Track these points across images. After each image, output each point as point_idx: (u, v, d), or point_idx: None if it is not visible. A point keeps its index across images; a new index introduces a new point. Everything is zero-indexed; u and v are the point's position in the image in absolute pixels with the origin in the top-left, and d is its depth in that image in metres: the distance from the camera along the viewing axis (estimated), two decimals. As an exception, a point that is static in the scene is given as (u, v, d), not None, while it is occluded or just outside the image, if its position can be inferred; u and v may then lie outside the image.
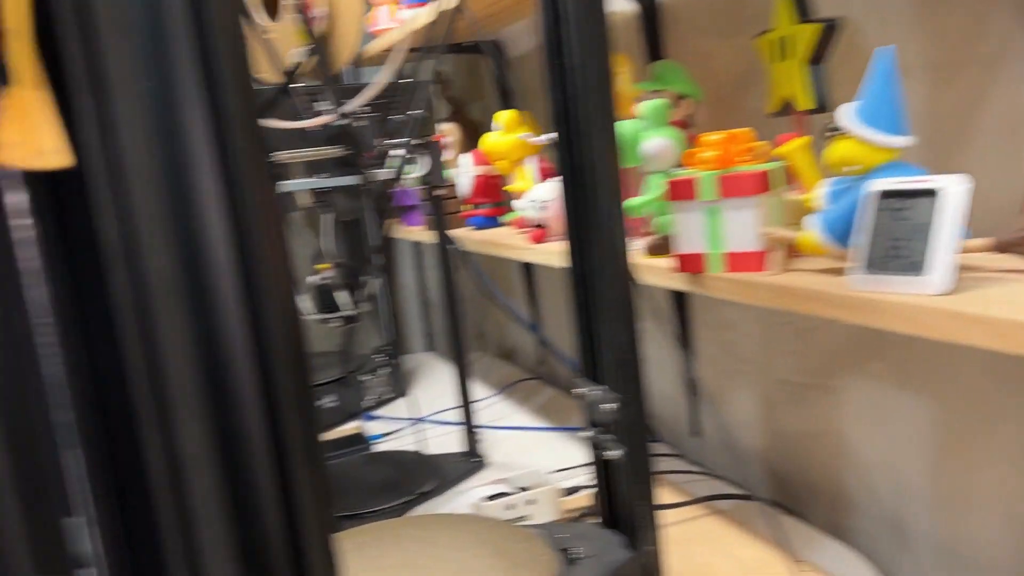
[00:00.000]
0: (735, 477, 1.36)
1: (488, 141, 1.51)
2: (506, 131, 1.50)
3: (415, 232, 1.85)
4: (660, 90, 1.20)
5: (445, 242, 1.44)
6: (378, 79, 0.92)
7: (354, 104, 0.88)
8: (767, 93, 1.07)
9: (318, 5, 0.88)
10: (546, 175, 1.50)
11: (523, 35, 1.82)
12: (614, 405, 0.99)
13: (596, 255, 0.98)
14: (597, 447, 1.05)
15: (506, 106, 1.87)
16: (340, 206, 0.88)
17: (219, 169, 0.44)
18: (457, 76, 2.11)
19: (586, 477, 1.40)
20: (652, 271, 1.07)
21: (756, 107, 1.21)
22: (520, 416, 1.75)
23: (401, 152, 0.92)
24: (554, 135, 0.95)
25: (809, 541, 1.16)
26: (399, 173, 0.92)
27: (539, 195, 1.34)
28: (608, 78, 0.95)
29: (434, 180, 1.29)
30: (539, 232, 1.35)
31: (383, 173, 0.93)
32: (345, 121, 0.80)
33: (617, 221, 0.96)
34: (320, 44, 0.79)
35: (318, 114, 0.88)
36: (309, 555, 0.48)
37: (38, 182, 0.43)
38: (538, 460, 1.49)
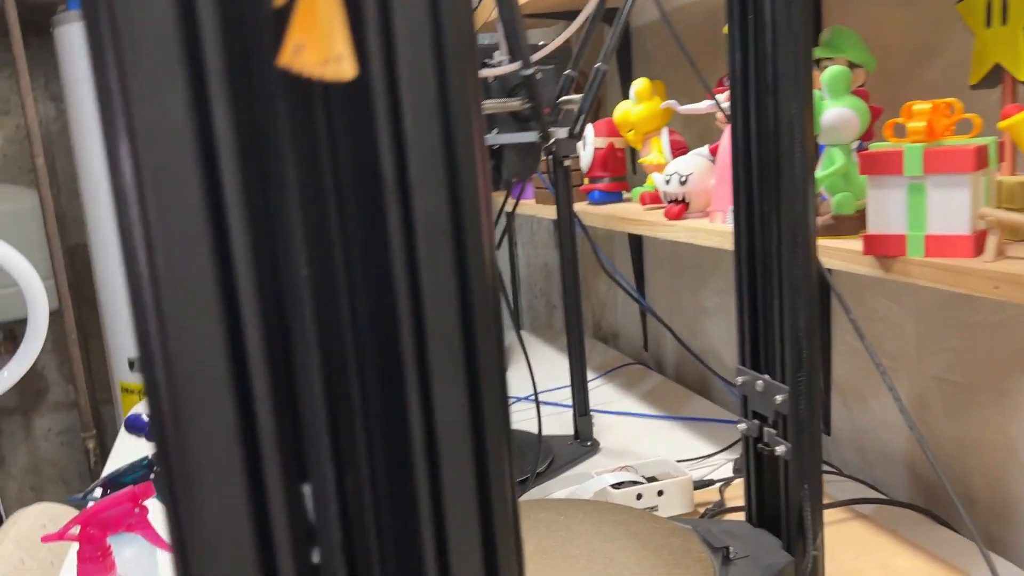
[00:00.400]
0: (869, 480, 1.27)
1: (621, 111, 1.43)
2: (640, 101, 1.41)
3: (523, 205, 1.77)
4: (831, 58, 1.11)
5: (568, 217, 1.36)
6: (574, 26, 0.84)
7: (548, 49, 0.80)
8: (957, 63, 0.97)
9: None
10: (677, 149, 1.42)
11: (647, 3, 1.73)
12: (783, 396, 0.91)
13: (776, 231, 0.90)
14: (757, 440, 0.97)
15: (627, 77, 1.78)
16: (512, 165, 0.81)
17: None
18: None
19: (712, 469, 1.32)
20: (826, 253, 0.98)
21: (934, 80, 1.11)
22: (625, 402, 1.67)
23: (579, 108, 0.85)
24: (713, 99, 0.87)
25: (965, 553, 1.07)
26: (580, 129, 0.84)
27: (681, 168, 1.26)
28: (807, 34, 0.86)
29: (564, 149, 1.21)
30: (678, 208, 1.27)
31: (560, 131, 0.85)
32: (529, 71, 0.73)
33: (807, 194, 0.87)
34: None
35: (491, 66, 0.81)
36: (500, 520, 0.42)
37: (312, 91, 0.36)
38: (652, 448, 1.42)
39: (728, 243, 1.15)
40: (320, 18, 0.34)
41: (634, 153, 1.63)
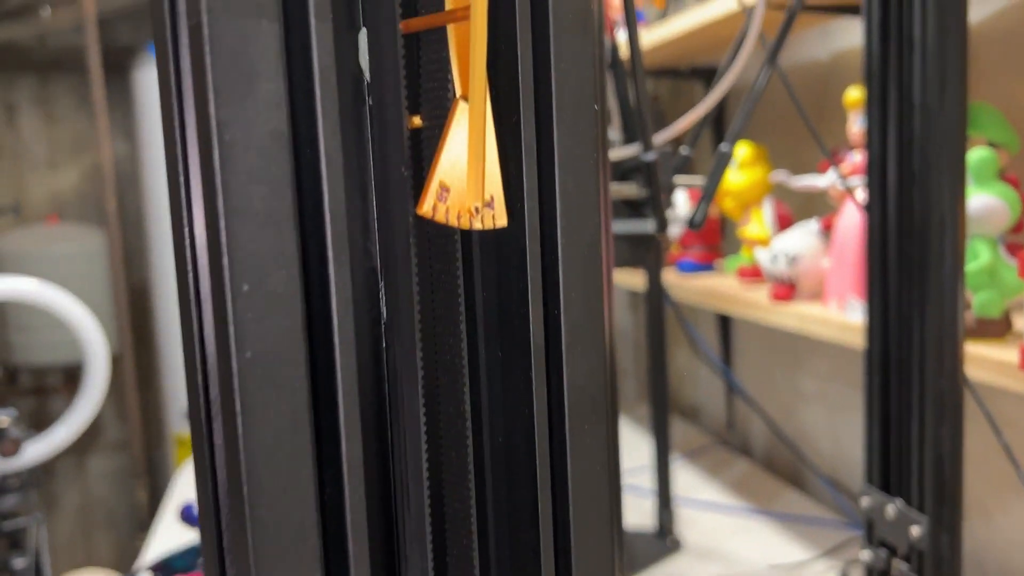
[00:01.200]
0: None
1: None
2: (741, 168, 1.31)
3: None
4: (969, 137, 0.99)
5: (658, 292, 1.26)
6: (707, 104, 0.75)
7: (676, 130, 0.71)
8: None
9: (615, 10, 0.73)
10: (784, 222, 1.31)
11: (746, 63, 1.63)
12: (920, 529, 0.79)
13: (918, 335, 0.79)
14: (883, 574, 0.85)
15: (720, 139, 1.68)
16: (621, 255, 0.71)
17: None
18: (663, 103, 1.93)
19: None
20: (968, 360, 0.86)
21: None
22: (709, 490, 1.54)
23: (698, 189, 0.75)
24: (832, 172, 0.76)
25: None
26: (701, 219, 0.75)
27: (789, 248, 1.15)
28: (964, 116, 0.75)
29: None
30: (785, 289, 1.15)
31: (672, 215, 0.76)
32: (652, 156, 0.63)
33: (956, 296, 0.76)
34: (619, 60, 0.63)
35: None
36: None
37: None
38: (741, 549, 1.29)
39: (847, 336, 1.03)
40: (473, 153, 0.25)
41: (727, 218, 1.53)
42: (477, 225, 0.26)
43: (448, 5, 0.27)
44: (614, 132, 0.78)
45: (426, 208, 0.25)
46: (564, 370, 0.30)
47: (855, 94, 1.04)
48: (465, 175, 0.26)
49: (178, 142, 0.23)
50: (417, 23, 0.28)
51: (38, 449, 1.37)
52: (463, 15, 0.26)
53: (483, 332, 0.27)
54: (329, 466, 0.24)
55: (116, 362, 2.35)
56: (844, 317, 1.04)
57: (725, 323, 1.78)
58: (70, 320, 1.36)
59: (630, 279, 1.64)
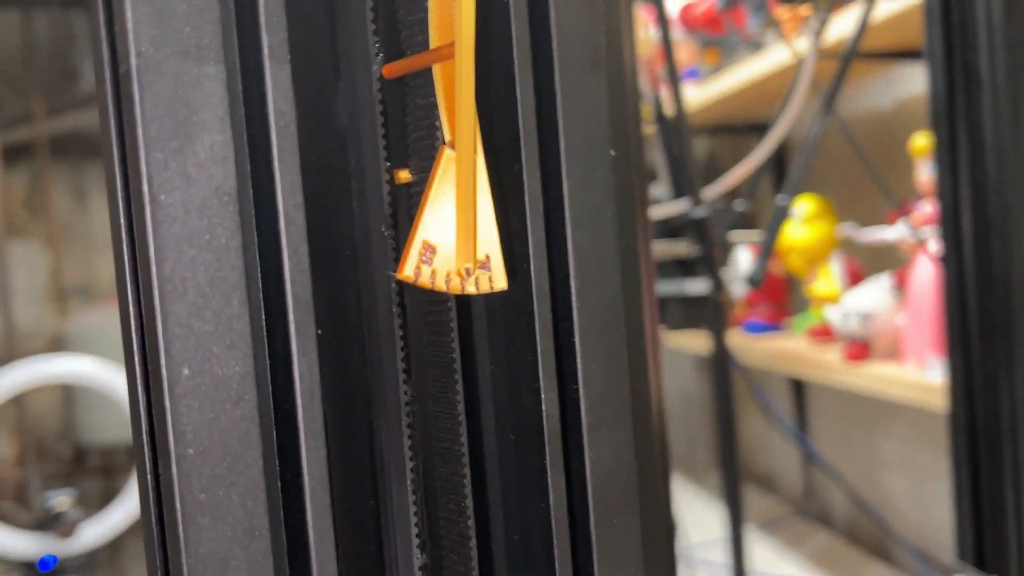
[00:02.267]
0: None
1: (785, 233, 1.27)
2: (806, 222, 1.26)
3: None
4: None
5: (723, 357, 1.20)
6: (760, 154, 0.72)
7: (727, 185, 0.67)
8: None
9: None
10: (854, 278, 1.24)
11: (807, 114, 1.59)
12: (1024, 610, 0.71)
13: (1008, 399, 0.72)
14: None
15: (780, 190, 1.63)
16: (674, 318, 0.67)
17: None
18: (721, 160, 1.89)
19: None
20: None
21: None
22: (788, 564, 1.45)
23: (762, 249, 0.71)
24: (902, 224, 0.71)
25: None
26: (760, 276, 0.70)
27: (862, 306, 1.08)
28: (1044, 159, 0.70)
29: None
30: (858, 348, 1.09)
31: (731, 274, 0.71)
32: (701, 213, 0.59)
33: (1049, 354, 0.69)
34: (664, 112, 0.60)
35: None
36: None
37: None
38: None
39: (928, 397, 0.96)
40: (462, 207, 0.22)
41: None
42: (471, 289, 0.23)
43: (433, 43, 0.24)
44: (662, 188, 0.74)
45: (407, 271, 0.22)
46: (586, 455, 0.26)
47: (922, 141, 0.99)
48: (454, 233, 0.22)
49: (120, 206, 0.20)
50: (401, 66, 0.25)
51: (95, 531, 1.36)
52: (448, 52, 0.23)
53: (488, 414, 0.24)
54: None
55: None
56: (924, 377, 0.97)
57: (798, 386, 1.70)
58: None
59: (694, 342, 1.58)
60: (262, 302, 0.20)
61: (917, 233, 0.94)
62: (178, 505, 0.18)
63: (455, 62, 0.22)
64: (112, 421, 2.39)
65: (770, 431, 1.90)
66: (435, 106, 0.24)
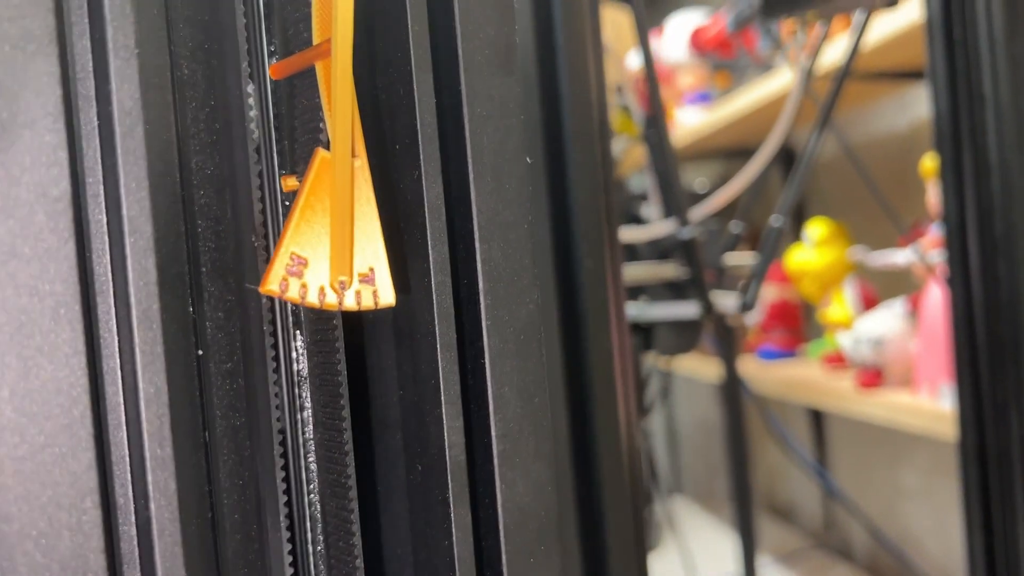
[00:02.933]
0: None
1: (796, 258, 1.24)
2: (819, 246, 1.23)
3: (682, 360, 1.59)
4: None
5: (734, 384, 1.17)
6: (746, 174, 0.70)
7: (714, 205, 0.65)
8: None
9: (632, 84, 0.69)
10: (869, 303, 1.21)
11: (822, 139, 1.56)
12: (1039, 651, 0.67)
13: (1016, 427, 0.69)
14: None
15: (797, 216, 1.60)
16: (665, 343, 0.65)
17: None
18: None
19: None
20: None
21: None
22: (807, 597, 1.41)
23: (753, 266, 0.68)
24: (912, 248, 0.68)
25: None
26: (752, 299, 0.68)
27: (873, 331, 1.05)
28: (1050, 177, 0.67)
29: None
30: (871, 376, 1.06)
31: (726, 298, 0.69)
32: (689, 234, 0.58)
33: (1059, 382, 0.66)
34: (654, 129, 0.58)
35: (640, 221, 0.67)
36: None
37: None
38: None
39: (940, 426, 0.93)
40: (337, 215, 0.20)
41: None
42: (349, 304, 0.21)
43: (315, 39, 0.23)
44: (653, 209, 0.72)
45: (271, 285, 0.20)
46: (497, 488, 0.24)
47: (931, 163, 0.96)
48: (329, 244, 0.21)
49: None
50: (286, 65, 0.23)
51: None
52: (327, 49, 0.21)
53: (382, 442, 0.22)
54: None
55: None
56: (937, 405, 0.93)
57: (816, 414, 1.66)
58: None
59: (709, 370, 1.55)
60: (101, 320, 0.18)
61: (926, 257, 0.91)
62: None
63: (331, 57, 0.20)
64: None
65: (789, 462, 1.86)
66: (319, 108, 0.22)
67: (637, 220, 0.74)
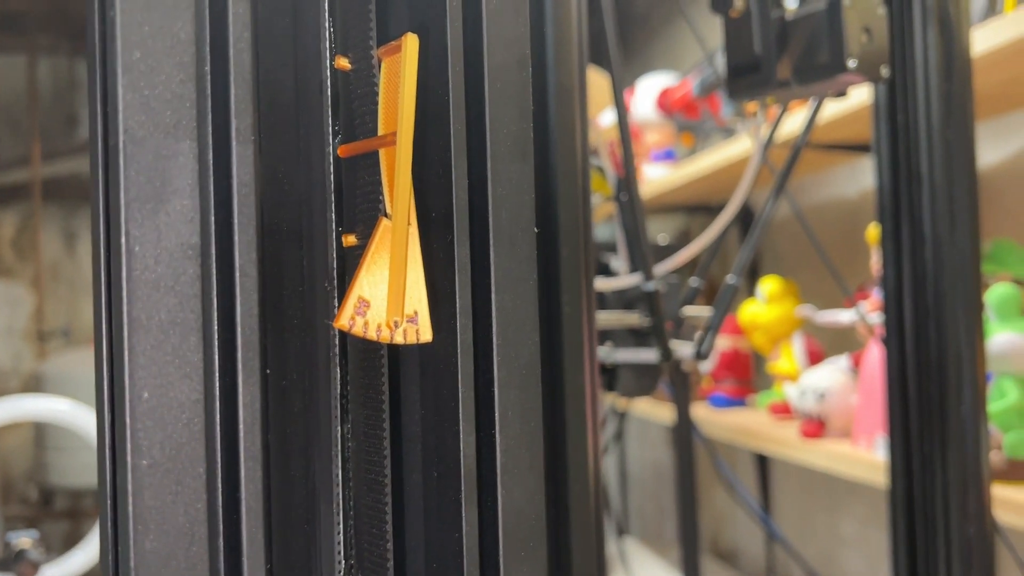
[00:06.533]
0: None
1: (749, 312, 1.32)
2: (770, 302, 1.30)
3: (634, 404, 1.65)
4: (993, 274, 0.98)
5: (687, 428, 1.23)
6: (708, 235, 0.76)
7: (678, 261, 0.72)
8: None
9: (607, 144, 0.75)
10: (814, 358, 1.29)
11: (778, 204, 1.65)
12: None
13: (941, 478, 0.75)
14: None
15: (752, 272, 1.68)
16: (627, 385, 0.71)
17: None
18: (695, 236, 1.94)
19: None
20: (998, 504, 0.82)
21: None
22: (746, 637, 1.46)
23: (708, 319, 0.75)
24: (855, 310, 0.75)
25: None
26: (707, 349, 0.74)
27: (817, 383, 1.12)
28: (977, 249, 0.75)
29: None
30: (814, 426, 1.13)
31: (684, 347, 0.75)
32: (653, 287, 0.64)
33: (979, 437, 0.73)
34: (626, 193, 0.65)
35: (608, 271, 0.74)
36: None
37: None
38: None
39: (876, 476, 0.99)
40: (394, 268, 0.25)
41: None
42: (399, 339, 0.26)
43: (380, 131, 0.28)
44: (620, 262, 0.79)
45: (343, 321, 0.26)
46: (499, 493, 0.29)
47: (875, 230, 1.04)
48: (387, 291, 0.26)
49: (101, 254, 0.24)
50: (353, 147, 0.29)
51: (56, 573, 1.35)
52: (391, 140, 0.27)
53: (411, 450, 0.27)
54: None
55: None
56: (873, 456, 1.00)
57: (763, 461, 1.73)
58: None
59: (662, 412, 1.62)
60: (216, 342, 0.23)
61: (868, 318, 0.98)
62: (131, 506, 0.21)
63: (396, 148, 0.26)
64: (81, 464, 2.39)
65: (735, 506, 1.92)
66: (380, 183, 0.28)
67: (605, 270, 0.80)
